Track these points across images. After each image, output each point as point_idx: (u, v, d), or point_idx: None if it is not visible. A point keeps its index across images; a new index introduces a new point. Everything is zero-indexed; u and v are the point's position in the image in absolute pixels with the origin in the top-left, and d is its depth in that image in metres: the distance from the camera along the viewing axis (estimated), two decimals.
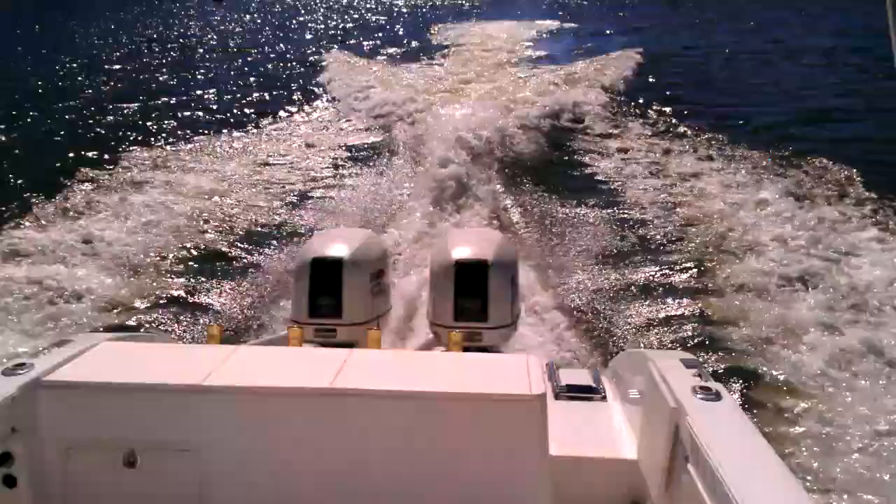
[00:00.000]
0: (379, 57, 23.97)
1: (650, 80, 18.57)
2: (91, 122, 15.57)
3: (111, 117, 16.16)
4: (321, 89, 18.69)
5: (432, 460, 2.09)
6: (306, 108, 16.89)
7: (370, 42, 28.39)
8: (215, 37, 30.89)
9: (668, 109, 15.08)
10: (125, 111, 16.75)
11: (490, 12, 34.43)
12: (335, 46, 26.46)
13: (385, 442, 2.09)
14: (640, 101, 16.00)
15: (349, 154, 12.50)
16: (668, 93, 16.75)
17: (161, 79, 20.78)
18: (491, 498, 2.08)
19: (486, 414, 2.06)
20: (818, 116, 14.28)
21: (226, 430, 2.12)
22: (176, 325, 6.04)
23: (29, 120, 15.90)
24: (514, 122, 12.85)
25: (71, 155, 12.11)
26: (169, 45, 27.50)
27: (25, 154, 12.81)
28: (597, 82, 17.27)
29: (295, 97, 17.92)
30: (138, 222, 8.61)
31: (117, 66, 22.77)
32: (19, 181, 10.57)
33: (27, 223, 8.51)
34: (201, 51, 26.97)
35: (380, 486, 2.10)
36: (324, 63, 22.14)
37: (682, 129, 13.46)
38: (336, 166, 11.82)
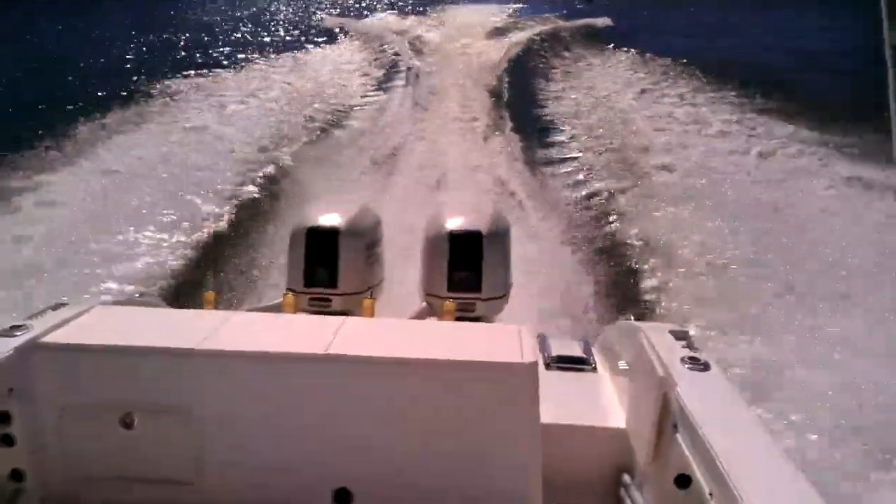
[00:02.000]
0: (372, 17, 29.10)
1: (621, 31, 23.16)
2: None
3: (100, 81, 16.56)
4: (320, 40, 22.74)
5: (425, 427, 2.13)
6: (306, 55, 19.98)
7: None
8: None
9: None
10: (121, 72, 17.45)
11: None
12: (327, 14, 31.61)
13: (378, 408, 2.12)
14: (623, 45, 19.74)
15: (350, 103, 14.23)
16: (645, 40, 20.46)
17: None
18: (482, 464, 2.12)
19: (478, 381, 2.10)
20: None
21: (221, 393, 2.15)
22: (171, 290, 6.05)
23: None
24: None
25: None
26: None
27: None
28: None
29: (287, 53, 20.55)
30: (128, 181, 8.64)
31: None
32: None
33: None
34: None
35: (372, 451, 2.13)
36: (321, 23, 27.48)
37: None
38: (337, 114, 13.17)
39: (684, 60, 17.02)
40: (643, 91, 14.71)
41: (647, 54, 18.45)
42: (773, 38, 23.90)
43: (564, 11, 27.92)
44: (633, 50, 19.14)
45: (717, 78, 15.00)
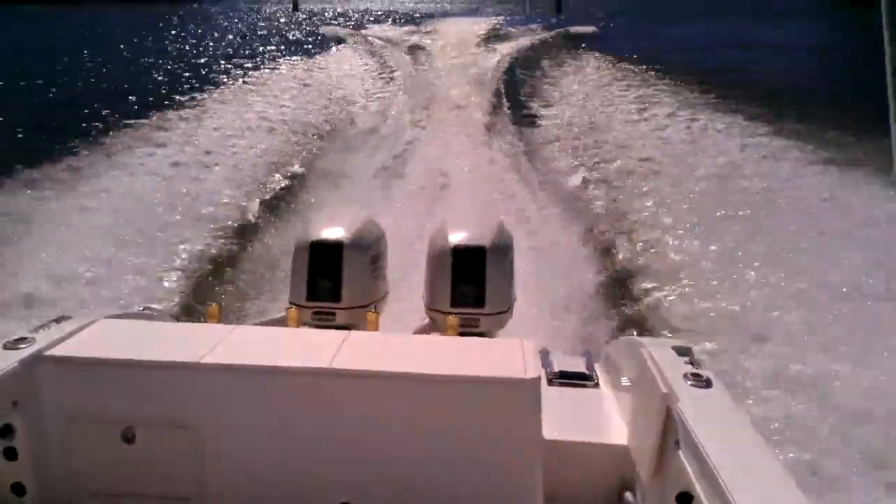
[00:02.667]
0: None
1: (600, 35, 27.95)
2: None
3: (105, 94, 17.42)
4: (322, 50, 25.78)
5: (427, 441, 2.13)
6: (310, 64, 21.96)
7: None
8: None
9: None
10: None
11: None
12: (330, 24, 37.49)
13: (381, 422, 2.13)
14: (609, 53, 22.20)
15: (355, 109, 15.50)
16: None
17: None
18: (484, 479, 2.12)
19: (481, 396, 2.10)
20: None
21: (224, 407, 2.16)
22: (174, 303, 6.06)
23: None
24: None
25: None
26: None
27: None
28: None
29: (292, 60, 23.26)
30: (132, 194, 8.72)
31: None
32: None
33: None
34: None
35: (374, 466, 2.13)
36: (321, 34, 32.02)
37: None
38: (342, 121, 14.19)
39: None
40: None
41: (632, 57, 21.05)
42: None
43: (539, 21, 32.93)
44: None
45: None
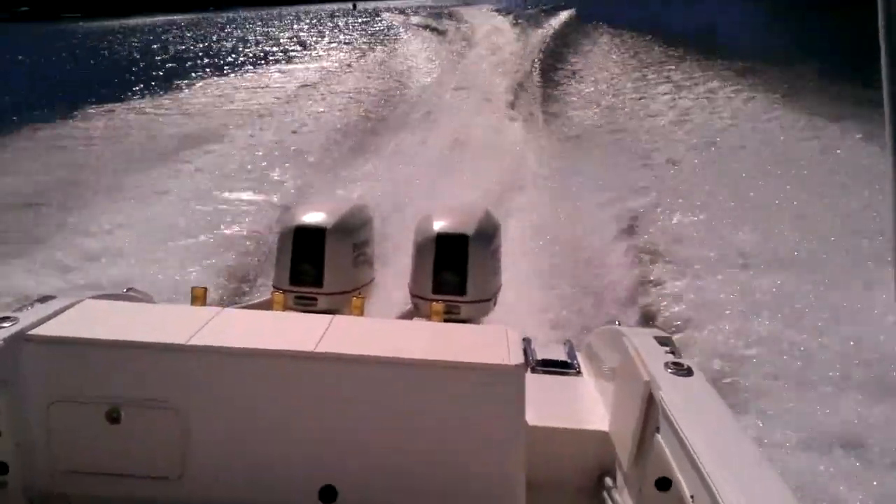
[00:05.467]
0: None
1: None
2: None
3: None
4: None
5: (411, 426, 2.15)
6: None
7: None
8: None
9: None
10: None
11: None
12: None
13: (364, 407, 2.14)
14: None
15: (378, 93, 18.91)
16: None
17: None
18: (466, 464, 2.14)
19: (464, 382, 2.12)
20: None
21: (208, 389, 2.16)
22: (160, 285, 6.02)
23: None
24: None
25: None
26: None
27: None
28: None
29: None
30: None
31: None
32: None
33: None
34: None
35: (358, 450, 2.15)
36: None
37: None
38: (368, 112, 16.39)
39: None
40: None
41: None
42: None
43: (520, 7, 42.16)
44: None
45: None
